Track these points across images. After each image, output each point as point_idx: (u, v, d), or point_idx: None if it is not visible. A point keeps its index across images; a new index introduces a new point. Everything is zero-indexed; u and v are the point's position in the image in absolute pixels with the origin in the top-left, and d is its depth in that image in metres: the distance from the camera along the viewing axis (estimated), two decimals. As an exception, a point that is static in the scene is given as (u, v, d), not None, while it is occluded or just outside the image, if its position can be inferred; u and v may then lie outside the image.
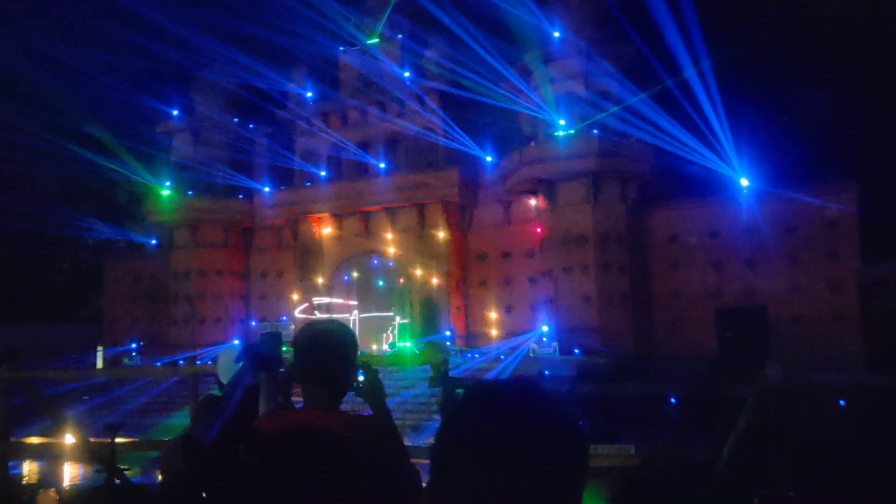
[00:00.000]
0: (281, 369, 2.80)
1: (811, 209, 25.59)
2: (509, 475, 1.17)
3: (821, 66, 30.31)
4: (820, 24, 30.38)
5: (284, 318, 34.60)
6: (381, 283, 33.53)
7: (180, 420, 20.86)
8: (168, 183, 36.16)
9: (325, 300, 33.63)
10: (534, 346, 27.34)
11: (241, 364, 2.92)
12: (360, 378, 2.80)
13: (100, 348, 36.83)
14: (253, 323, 36.23)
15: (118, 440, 9.35)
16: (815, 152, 27.57)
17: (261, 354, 2.80)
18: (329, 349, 2.73)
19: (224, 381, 3.68)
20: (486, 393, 1.27)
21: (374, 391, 2.83)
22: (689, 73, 25.74)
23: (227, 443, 2.50)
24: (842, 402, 18.28)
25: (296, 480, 2.35)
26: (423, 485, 2.87)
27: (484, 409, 1.23)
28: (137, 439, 17.86)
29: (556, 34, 28.87)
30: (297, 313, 33.73)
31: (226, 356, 3.80)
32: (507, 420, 1.20)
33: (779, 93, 30.51)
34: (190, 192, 35.74)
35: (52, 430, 16.03)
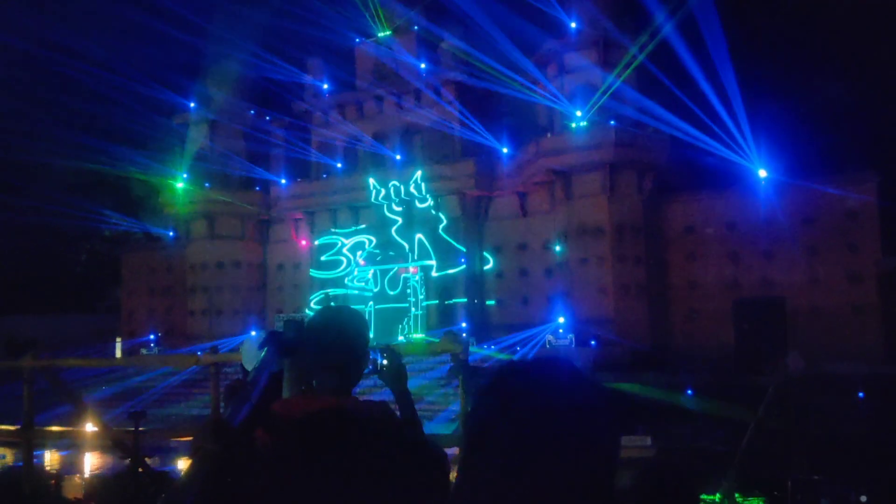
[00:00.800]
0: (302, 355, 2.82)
1: (830, 200, 25.34)
2: (542, 450, 1.18)
3: (840, 55, 30.02)
4: (840, 12, 30.07)
5: (303, 311, 34.77)
6: (397, 274, 33.49)
7: (199, 410, 21.06)
8: (185, 175, 36.36)
9: (342, 291, 33.78)
10: (550, 337, 27.34)
11: (265, 350, 2.96)
12: (384, 362, 2.82)
13: (118, 339, 37.23)
14: (273, 314, 36.39)
15: (140, 429, 9.44)
16: (834, 142, 27.32)
17: (285, 340, 2.83)
18: (341, 336, 2.74)
19: (248, 367, 3.71)
20: (517, 371, 1.28)
21: (398, 375, 2.85)
22: (707, 63, 25.55)
23: (252, 427, 2.54)
24: (860, 395, 18.19)
25: (315, 461, 2.40)
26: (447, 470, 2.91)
27: (516, 386, 1.24)
28: (159, 430, 18.04)
29: (574, 24, 28.75)
30: (314, 305, 33.87)
31: (249, 344, 3.83)
32: (539, 395, 1.21)
33: (798, 82, 30.23)
34: (207, 184, 35.93)
35: (74, 418, 16.19)
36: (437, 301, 31.70)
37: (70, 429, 16.59)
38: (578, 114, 28.02)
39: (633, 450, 19.04)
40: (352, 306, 3.02)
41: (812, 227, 25.78)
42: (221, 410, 2.66)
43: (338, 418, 2.53)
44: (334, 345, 2.70)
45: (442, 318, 31.27)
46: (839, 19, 29.84)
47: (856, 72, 29.27)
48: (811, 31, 30.37)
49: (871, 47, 29.18)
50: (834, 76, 29.77)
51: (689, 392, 17.34)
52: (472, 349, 22.02)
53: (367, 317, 2.88)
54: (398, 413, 2.81)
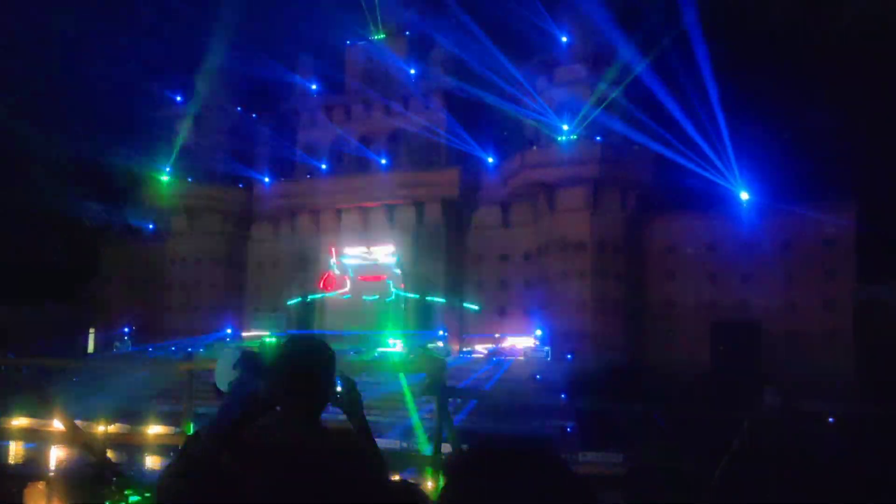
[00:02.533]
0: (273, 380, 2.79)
1: (809, 226, 25.60)
2: None
3: (825, 84, 30.33)
4: (825, 42, 30.39)
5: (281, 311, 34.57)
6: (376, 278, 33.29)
7: (171, 408, 20.77)
8: (168, 169, 36.05)
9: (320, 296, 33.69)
10: (526, 349, 27.36)
11: (239, 372, 2.90)
12: (338, 388, 2.80)
13: (92, 330, 36.78)
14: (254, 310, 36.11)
15: (109, 429, 9.33)
16: (815, 170, 27.58)
17: (259, 363, 2.80)
18: (308, 366, 2.76)
19: (221, 386, 3.64)
20: (495, 459, 1.21)
21: (352, 402, 2.84)
22: (694, 85, 25.76)
23: (221, 450, 2.51)
24: (830, 419, 18.32)
25: (277, 493, 2.38)
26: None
27: (492, 477, 1.18)
28: (127, 426, 17.84)
29: (565, 40, 28.85)
30: (290, 304, 33.72)
31: (224, 361, 3.76)
32: (516, 490, 1.16)
33: (782, 109, 30.51)
34: (189, 179, 35.60)
35: (42, 414, 15.99)
36: (416, 307, 31.59)
37: (35, 425, 16.40)
38: (565, 128, 28.09)
39: (605, 467, 19.05)
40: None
41: (790, 252, 26.01)
42: (189, 446, 2.61)
43: (301, 451, 2.51)
44: (301, 374, 2.70)
45: (421, 315, 31.26)
46: (825, 49, 30.16)
47: (839, 102, 29.56)
48: (797, 59, 30.66)
49: (855, 78, 29.51)
50: (818, 105, 30.06)
51: (661, 422, 17.46)
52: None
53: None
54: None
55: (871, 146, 28.79)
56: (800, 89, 30.67)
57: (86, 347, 35.98)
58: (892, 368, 21.64)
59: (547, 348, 27.03)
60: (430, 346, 28.78)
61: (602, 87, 27.84)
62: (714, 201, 27.19)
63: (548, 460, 1.22)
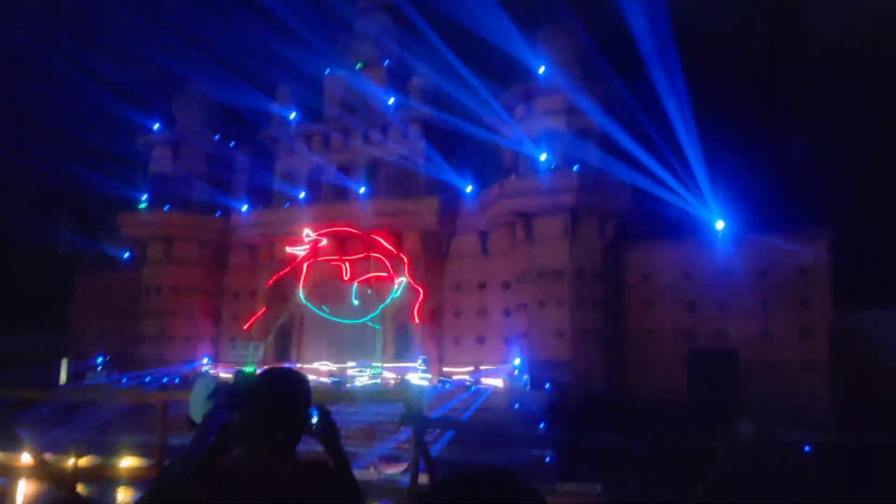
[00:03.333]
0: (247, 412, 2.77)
1: (785, 255, 25.78)
2: None
3: (800, 114, 30.86)
4: (801, 72, 30.98)
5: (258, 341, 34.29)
6: (355, 304, 33.15)
7: (144, 438, 20.48)
8: (144, 196, 35.83)
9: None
10: (505, 378, 27.30)
11: (213, 403, 2.88)
12: (314, 419, 2.79)
13: (64, 360, 36.26)
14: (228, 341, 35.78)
15: (79, 462, 9.14)
16: (790, 198, 27.95)
17: (234, 394, 2.78)
18: (284, 400, 2.78)
19: (195, 417, 3.60)
20: (469, 490, 1.21)
21: (328, 433, 2.83)
22: (671, 114, 26.12)
23: (193, 479, 2.50)
24: (807, 448, 18.39)
25: None
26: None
27: None
28: (99, 458, 17.53)
29: (542, 70, 29.17)
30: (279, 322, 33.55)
31: (198, 392, 3.71)
32: None
33: (758, 139, 30.97)
34: (166, 207, 35.42)
35: (10, 447, 15.68)
36: (395, 337, 31.50)
37: (4, 462, 16.04)
38: (543, 157, 28.29)
39: (584, 497, 18.96)
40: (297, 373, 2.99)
41: (766, 281, 26.16)
42: (164, 475, 2.59)
43: (277, 483, 2.50)
44: (276, 406, 2.70)
45: (399, 346, 31.18)
46: (800, 79, 30.73)
47: (814, 132, 30.06)
48: (773, 90, 31.20)
49: (829, 107, 30.05)
50: (793, 135, 30.56)
51: (638, 452, 17.47)
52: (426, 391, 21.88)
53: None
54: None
55: (846, 176, 29.25)
56: (775, 119, 31.20)
57: (58, 378, 35.41)
58: (868, 398, 21.80)
59: (526, 377, 26.98)
60: (408, 375, 28.64)
61: (580, 116, 28.13)
62: (690, 230, 27.41)
63: (521, 491, 1.21)
